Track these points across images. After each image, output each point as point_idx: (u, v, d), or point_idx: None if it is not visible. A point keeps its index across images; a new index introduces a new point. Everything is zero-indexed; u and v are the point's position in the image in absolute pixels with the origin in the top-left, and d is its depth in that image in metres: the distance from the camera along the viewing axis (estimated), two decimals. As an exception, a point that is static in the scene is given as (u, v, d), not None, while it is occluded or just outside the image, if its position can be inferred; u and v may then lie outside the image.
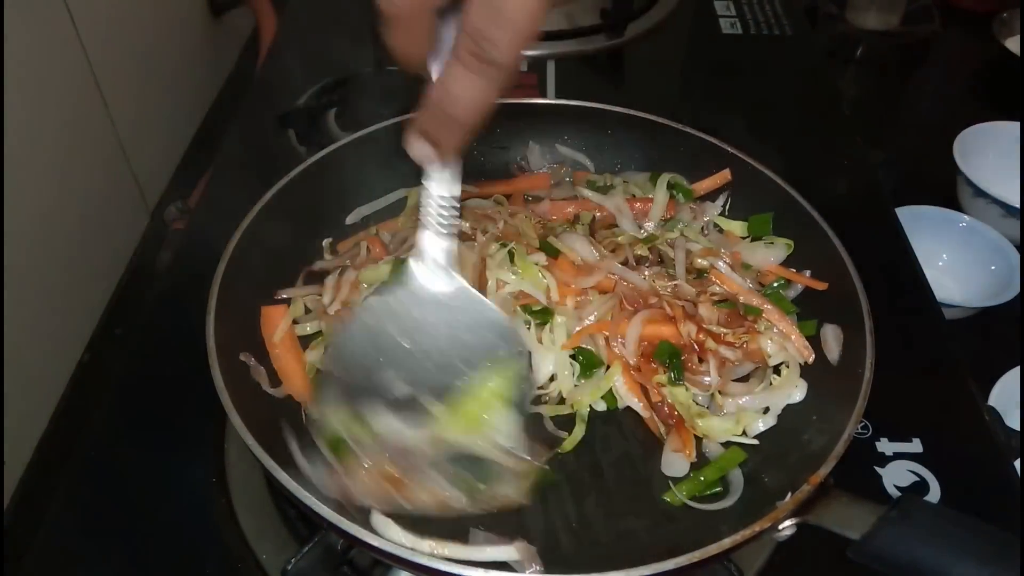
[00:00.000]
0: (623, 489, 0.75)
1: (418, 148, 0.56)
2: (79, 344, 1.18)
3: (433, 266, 0.64)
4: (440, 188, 0.61)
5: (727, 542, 0.60)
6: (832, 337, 0.81)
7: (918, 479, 0.82)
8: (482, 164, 1.03)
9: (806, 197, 0.89)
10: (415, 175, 0.96)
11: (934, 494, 0.81)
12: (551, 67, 1.34)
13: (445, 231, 0.63)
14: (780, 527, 0.63)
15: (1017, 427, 0.92)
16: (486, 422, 0.65)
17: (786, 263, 0.90)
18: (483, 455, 0.66)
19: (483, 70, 0.49)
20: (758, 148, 0.96)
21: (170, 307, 0.98)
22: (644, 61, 1.42)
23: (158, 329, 0.95)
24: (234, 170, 1.16)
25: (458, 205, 0.62)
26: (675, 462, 0.76)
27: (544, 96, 1.27)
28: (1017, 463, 0.87)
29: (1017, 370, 1.04)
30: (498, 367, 0.65)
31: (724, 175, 0.95)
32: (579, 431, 0.78)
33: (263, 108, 1.25)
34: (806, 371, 0.81)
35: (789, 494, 0.63)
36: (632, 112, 1.00)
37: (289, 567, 0.70)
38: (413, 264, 0.64)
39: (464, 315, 0.65)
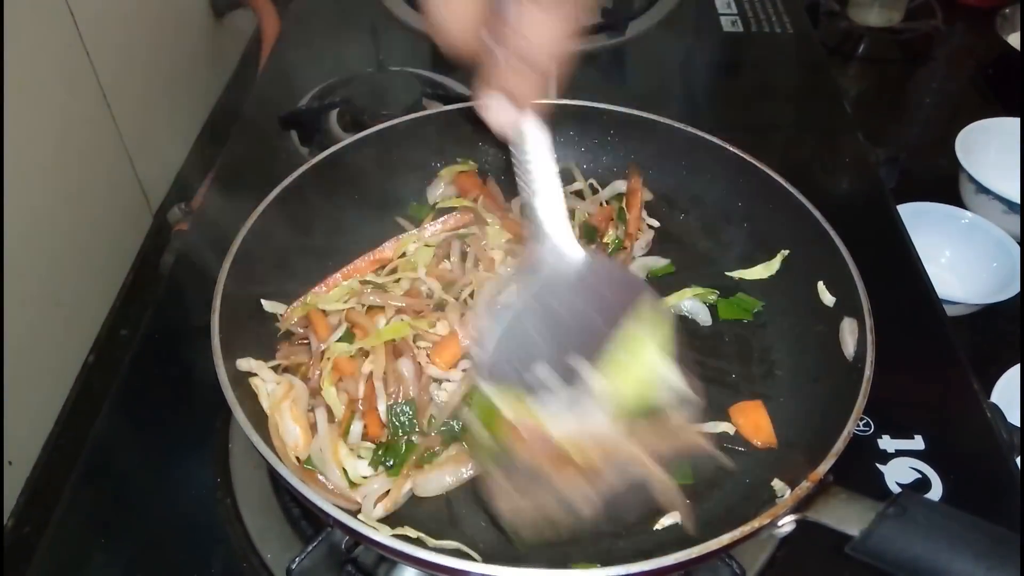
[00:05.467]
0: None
1: (497, 110, 0.51)
2: (84, 345, 1.18)
3: (555, 244, 0.61)
4: (534, 148, 0.56)
5: (726, 538, 0.60)
6: (848, 331, 0.80)
7: (920, 476, 0.82)
8: (484, 166, 1.03)
9: (807, 195, 0.89)
10: (416, 176, 0.99)
11: (936, 491, 0.81)
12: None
13: (553, 197, 0.59)
14: (780, 523, 0.63)
15: (1019, 423, 0.92)
16: (649, 372, 0.62)
17: (788, 260, 0.91)
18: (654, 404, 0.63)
19: (558, 5, 0.47)
20: (759, 146, 0.96)
21: (174, 308, 0.99)
22: (645, 60, 1.42)
23: (163, 330, 0.96)
24: (237, 171, 1.17)
25: (555, 164, 0.57)
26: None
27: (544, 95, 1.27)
28: (1019, 460, 0.87)
29: (1019, 367, 1.03)
30: (643, 322, 0.63)
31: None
32: None
33: (265, 109, 1.25)
34: (810, 371, 0.82)
35: (788, 491, 0.64)
36: (633, 112, 1.00)
37: (293, 566, 0.71)
38: (538, 248, 0.61)
39: (599, 281, 0.63)
